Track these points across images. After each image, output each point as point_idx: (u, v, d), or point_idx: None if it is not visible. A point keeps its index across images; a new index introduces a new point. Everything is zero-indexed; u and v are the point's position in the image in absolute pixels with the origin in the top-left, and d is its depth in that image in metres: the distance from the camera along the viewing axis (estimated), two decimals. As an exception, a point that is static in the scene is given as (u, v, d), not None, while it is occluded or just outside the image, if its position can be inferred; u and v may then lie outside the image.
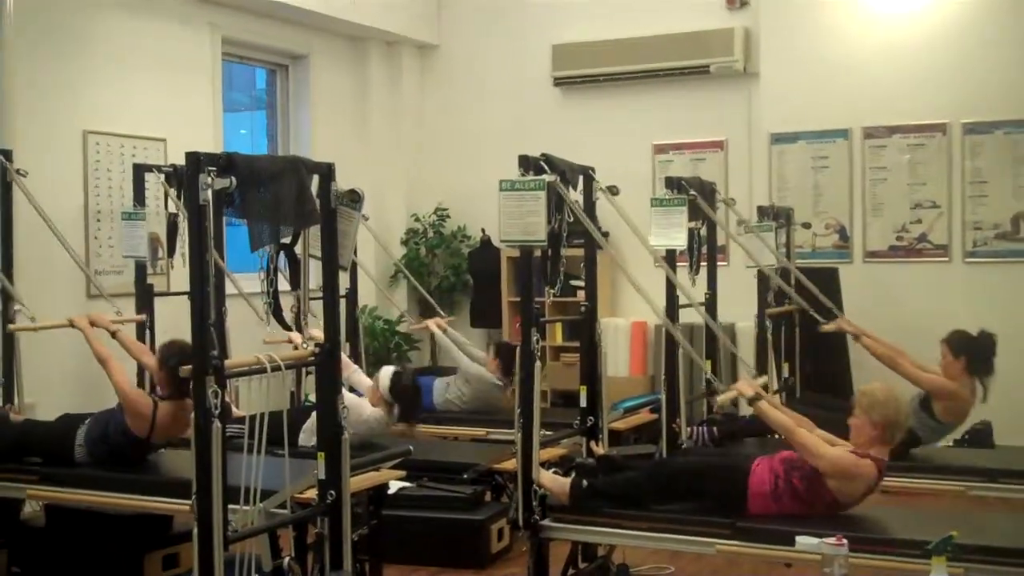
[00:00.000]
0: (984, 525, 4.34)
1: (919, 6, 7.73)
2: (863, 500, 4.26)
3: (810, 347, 7.00)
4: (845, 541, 3.44)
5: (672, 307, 5.44)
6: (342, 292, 5.11)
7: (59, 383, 6.19)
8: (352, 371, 6.11)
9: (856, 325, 6.13)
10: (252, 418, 3.66)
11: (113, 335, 5.22)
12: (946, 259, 7.69)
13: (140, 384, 5.65)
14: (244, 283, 4.51)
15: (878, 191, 7.90)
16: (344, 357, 5.54)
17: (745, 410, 6.36)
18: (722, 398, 4.58)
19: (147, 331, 6.14)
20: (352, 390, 5.90)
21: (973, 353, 5.54)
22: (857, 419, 4.28)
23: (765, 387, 4.83)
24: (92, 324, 5.21)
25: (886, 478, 5.29)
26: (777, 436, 4.86)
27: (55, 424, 5.11)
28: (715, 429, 5.67)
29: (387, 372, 5.83)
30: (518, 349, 4.50)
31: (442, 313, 7.52)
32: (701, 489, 4.35)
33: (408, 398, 5.76)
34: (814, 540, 3.72)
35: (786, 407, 4.69)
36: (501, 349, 7.02)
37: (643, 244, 5.17)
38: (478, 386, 6.87)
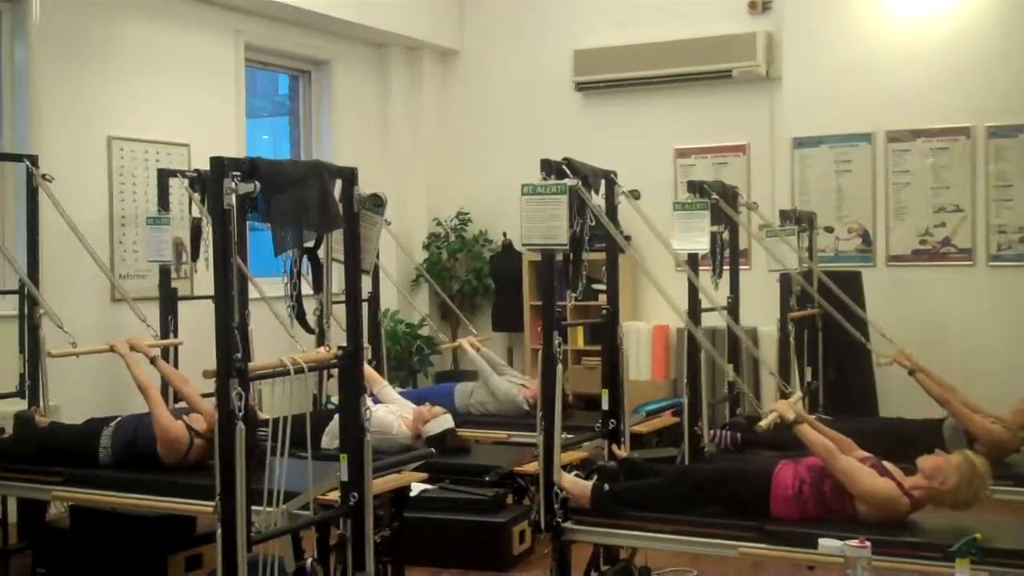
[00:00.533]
0: (1008, 528, 4.31)
1: (941, 9, 7.71)
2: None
3: (834, 354, 6.96)
4: (868, 543, 3.44)
5: (694, 311, 5.43)
6: (364, 296, 5.16)
7: (83, 385, 6.23)
8: (381, 386, 6.07)
9: (913, 360, 5.80)
10: (275, 421, 3.68)
11: (152, 361, 5.17)
12: (970, 263, 7.66)
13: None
14: (268, 287, 4.54)
15: (901, 195, 7.87)
16: (372, 371, 5.56)
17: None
18: (763, 423, 4.42)
19: (171, 334, 6.17)
20: (376, 402, 5.88)
21: None
22: (946, 464, 4.14)
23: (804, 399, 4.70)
24: (132, 348, 5.15)
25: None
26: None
27: (81, 428, 5.15)
28: (738, 433, 5.66)
29: (444, 422, 5.76)
30: (540, 352, 4.51)
31: (475, 331, 7.43)
32: (724, 495, 4.34)
33: (443, 449, 5.65)
34: (837, 543, 3.71)
35: (824, 425, 4.57)
36: None
37: (665, 248, 5.17)
38: (508, 406, 6.79)
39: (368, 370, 5.44)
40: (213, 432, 4.60)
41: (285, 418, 3.64)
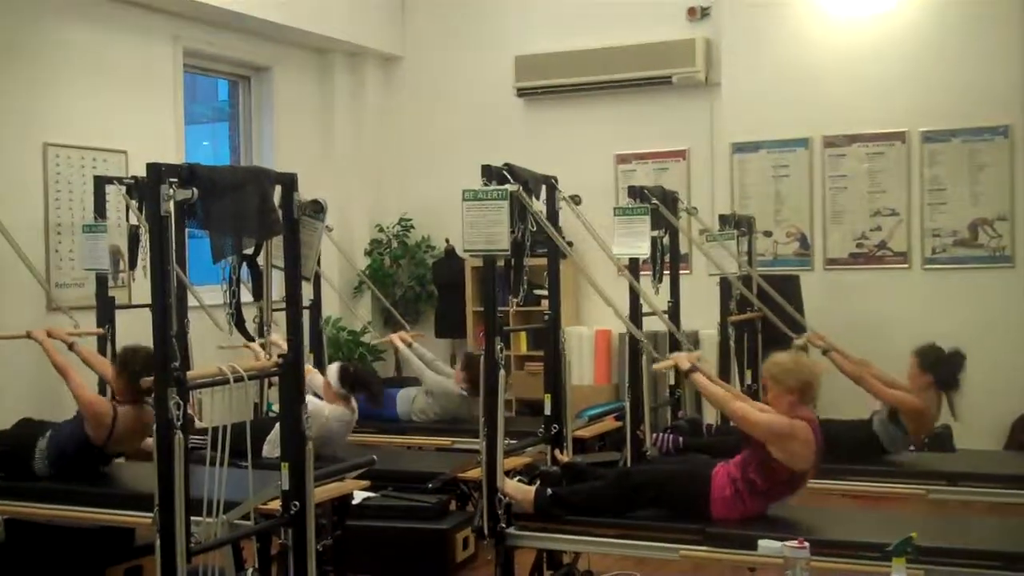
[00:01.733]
0: (943, 527, 4.39)
1: (876, 16, 7.83)
2: (814, 465, 4.33)
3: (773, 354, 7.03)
4: (807, 544, 3.48)
5: (635, 315, 5.47)
6: (305, 303, 5.12)
7: (15, 391, 6.13)
8: (312, 375, 5.99)
9: (826, 340, 6.08)
10: (215, 429, 3.65)
11: (70, 347, 5.24)
12: (905, 266, 7.78)
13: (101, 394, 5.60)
14: (207, 295, 4.49)
15: (838, 199, 7.98)
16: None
17: (709, 418, 6.43)
18: (657, 366, 4.74)
19: (108, 344, 6.08)
20: (316, 395, 5.87)
21: (941, 370, 5.57)
22: (773, 391, 4.37)
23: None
24: (49, 335, 5.23)
25: (848, 482, 5.39)
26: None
27: (14, 432, 5.09)
28: (680, 437, 5.70)
29: (334, 368, 5.89)
30: (482, 359, 4.51)
31: (407, 327, 7.49)
32: (664, 498, 4.38)
33: (361, 384, 5.83)
34: (776, 544, 3.76)
35: (721, 380, 4.81)
36: (469, 361, 6.89)
37: (606, 253, 5.20)
38: (444, 400, 6.84)
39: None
40: (120, 383, 4.78)
41: (225, 427, 3.61)
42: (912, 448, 5.79)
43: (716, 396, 4.48)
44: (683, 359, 4.67)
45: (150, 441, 5.53)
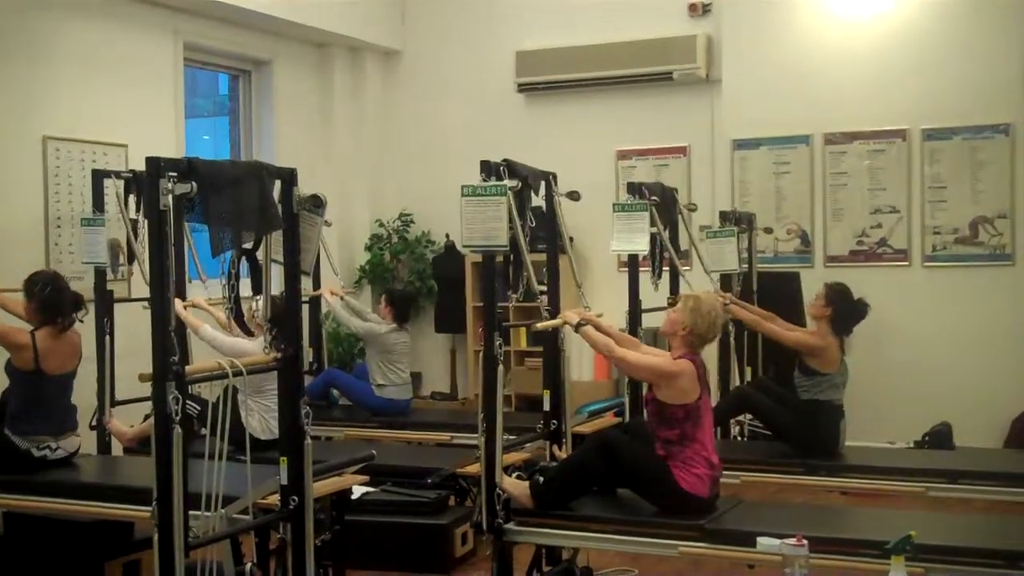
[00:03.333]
0: (943, 525, 4.39)
1: (878, 13, 7.81)
2: (703, 396, 4.43)
3: (773, 349, 7.04)
4: (805, 542, 3.48)
5: (635, 310, 5.47)
6: (304, 298, 5.12)
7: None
8: (200, 329, 5.74)
9: (725, 294, 6.17)
10: (213, 424, 3.65)
11: None
12: (906, 263, 7.77)
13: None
14: (209, 289, 4.50)
15: (839, 196, 7.97)
16: (186, 314, 5.54)
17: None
18: (541, 325, 4.71)
19: (107, 337, 6.07)
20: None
21: (842, 308, 5.72)
22: (676, 314, 4.48)
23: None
24: None
25: (848, 479, 5.39)
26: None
27: None
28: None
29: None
30: (482, 354, 4.51)
31: (342, 283, 7.52)
32: (639, 483, 4.46)
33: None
34: (775, 541, 3.76)
35: (615, 330, 4.84)
36: (390, 295, 7.24)
37: (608, 246, 5.19)
38: (378, 342, 7.02)
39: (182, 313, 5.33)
40: (29, 302, 5.01)
41: (224, 421, 3.61)
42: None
43: (604, 344, 4.55)
44: (571, 314, 4.69)
45: (117, 424, 5.70)
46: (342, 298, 7.24)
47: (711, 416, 4.61)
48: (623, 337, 4.73)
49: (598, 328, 4.65)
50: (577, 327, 4.60)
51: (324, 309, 7.33)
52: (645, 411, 4.66)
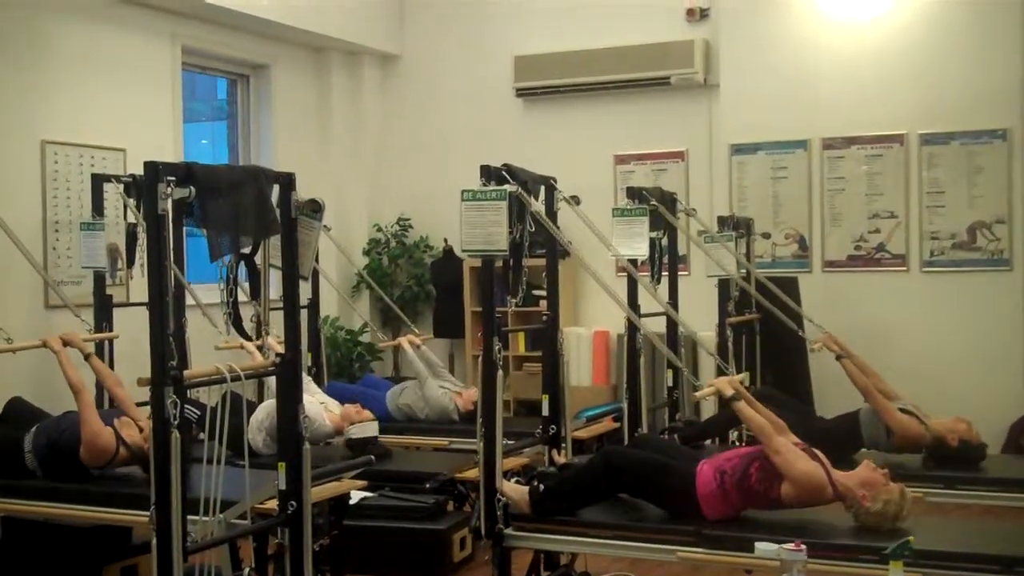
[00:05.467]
0: (941, 531, 4.38)
1: (875, 18, 7.82)
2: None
3: (771, 356, 7.05)
4: (804, 547, 3.48)
5: (635, 312, 5.47)
6: (303, 303, 5.12)
7: (17, 388, 6.08)
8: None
9: (842, 345, 5.96)
10: (212, 428, 3.65)
11: (86, 358, 5.07)
12: (904, 268, 7.78)
13: (98, 399, 5.58)
14: (205, 294, 4.49)
15: (837, 201, 7.98)
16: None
17: (705, 414, 6.43)
18: (700, 394, 4.54)
19: (105, 342, 6.07)
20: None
21: (960, 455, 5.37)
22: (878, 479, 4.15)
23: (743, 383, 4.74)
24: (65, 344, 5.03)
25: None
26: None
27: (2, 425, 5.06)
28: (676, 437, 5.70)
29: (369, 428, 5.71)
30: (480, 359, 4.51)
31: (416, 331, 7.29)
32: (649, 491, 4.39)
33: (362, 450, 5.60)
34: (773, 546, 3.76)
35: (764, 408, 4.57)
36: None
37: (606, 252, 5.19)
38: (438, 413, 6.75)
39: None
40: (141, 447, 4.61)
41: (221, 426, 3.61)
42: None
43: (759, 428, 4.29)
44: (726, 385, 4.48)
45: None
46: (418, 347, 7.01)
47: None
48: (775, 420, 4.41)
49: (751, 404, 4.45)
50: (730, 400, 4.41)
51: (323, 313, 7.31)
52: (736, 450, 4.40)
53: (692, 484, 4.26)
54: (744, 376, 4.64)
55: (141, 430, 4.72)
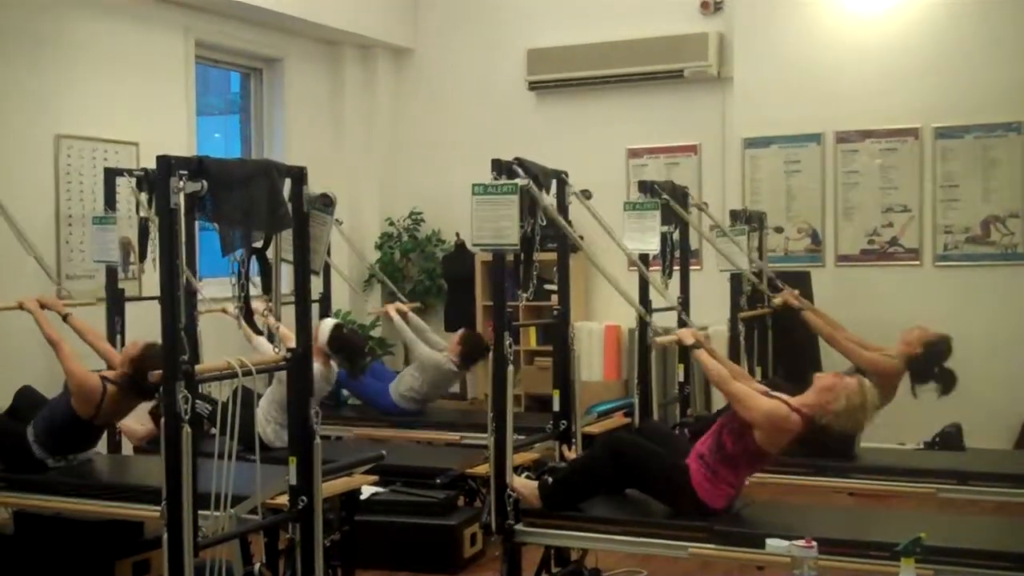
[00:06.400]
0: (953, 527, 4.37)
1: (889, 11, 7.79)
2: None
3: (783, 350, 7.03)
4: (815, 543, 3.47)
5: (645, 309, 5.46)
6: (315, 297, 5.12)
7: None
8: (257, 342, 5.49)
9: (801, 299, 6.25)
10: (223, 423, 3.65)
11: (65, 319, 5.24)
12: (917, 263, 7.75)
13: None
14: (216, 288, 4.49)
15: (850, 195, 7.95)
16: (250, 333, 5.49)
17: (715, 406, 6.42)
18: (660, 339, 4.70)
19: (118, 335, 6.08)
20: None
21: (929, 361, 5.67)
22: (834, 381, 4.23)
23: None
24: (42, 307, 5.23)
25: (857, 480, 5.37)
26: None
27: (7, 426, 5.10)
28: (687, 431, 5.69)
29: (327, 324, 5.84)
30: (492, 352, 4.50)
31: (403, 299, 7.42)
32: (648, 482, 4.42)
33: (349, 348, 5.78)
34: (784, 542, 3.75)
35: (724, 357, 4.73)
36: (468, 337, 7.00)
37: (618, 246, 5.18)
38: (434, 374, 6.87)
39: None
40: (124, 374, 4.77)
41: (232, 421, 3.61)
42: None
43: (718, 374, 4.40)
44: (687, 334, 4.64)
45: (128, 423, 5.66)
46: (405, 315, 7.11)
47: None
48: (736, 370, 4.54)
49: (712, 354, 4.55)
50: (691, 348, 4.53)
51: (335, 307, 7.32)
52: (712, 429, 4.44)
53: (686, 476, 4.29)
54: (708, 331, 4.75)
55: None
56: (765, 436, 4.20)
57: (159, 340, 3.42)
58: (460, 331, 7.18)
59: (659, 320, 5.57)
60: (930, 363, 5.62)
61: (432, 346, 7.04)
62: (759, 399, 4.26)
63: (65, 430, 4.92)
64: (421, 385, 6.86)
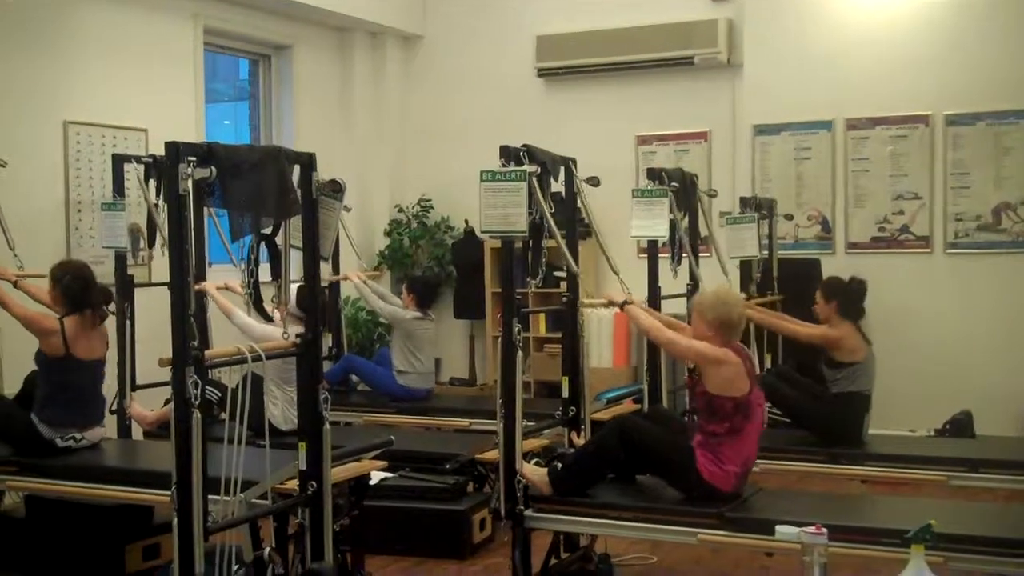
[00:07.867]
0: (964, 514, 4.36)
1: (902, -2, 7.76)
2: (753, 390, 4.38)
3: (793, 341, 7.00)
4: (824, 530, 3.46)
5: (654, 297, 5.45)
6: (324, 283, 5.11)
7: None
8: (234, 314, 5.69)
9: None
10: (232, 408, 3.65)
11: (15, 284, 5.34)
12: (928, 250, 7.72)
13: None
14: (226, 274, 4.50)
15: (860, 182, 7.92)
16: (220, 297, 5.62)
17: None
18: (589, 302, 4.88)
19: (128, 321, 6.08)
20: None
21: (843, 296, 5.77)
22: (696, 326, 4.49)
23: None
24: None
25: (867, 467, 5.36)
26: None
27: (10, 421, 5.13)
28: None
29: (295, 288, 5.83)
30: (500, 340, 4.50)
31: (365, 266, 7.59)
32: (659, 466, 4.45)
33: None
34: (794, 529, 3.74)
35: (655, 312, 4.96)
36: (411, 283, 7.36)
37: (627, 233, 5.17)
38: (405, 328, 7.06)
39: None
40: (57, 296, 5.00)
41: (243, 406, 3.62)
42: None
43: (649, 326, 4.58)
44: (615, 293, 4.82)
45: (138, 408, 5.69)
46: (365, 281, 7.26)
47: (762, 412, 4.56)
48: (670, 321, 4.76)
49: (644, 310, 4.70)
50: (622, 305, 4.67)
51: (344, 293, 7.35)
52: (689, 400, 4.60)
53: (692, 458, 4.31)
54: (639, 300, 4.91)
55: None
56: (716, 379, 4.31)
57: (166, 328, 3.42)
58: (405, 281, 7.55)
59: (667, 307, 5.58)
60: (847, 298, 5.76)
61: (390, 302, 7.30)
62: (692, 341, 4.46)
63: (54, 385, 4.98)
64: (403, 350, 7.04)
